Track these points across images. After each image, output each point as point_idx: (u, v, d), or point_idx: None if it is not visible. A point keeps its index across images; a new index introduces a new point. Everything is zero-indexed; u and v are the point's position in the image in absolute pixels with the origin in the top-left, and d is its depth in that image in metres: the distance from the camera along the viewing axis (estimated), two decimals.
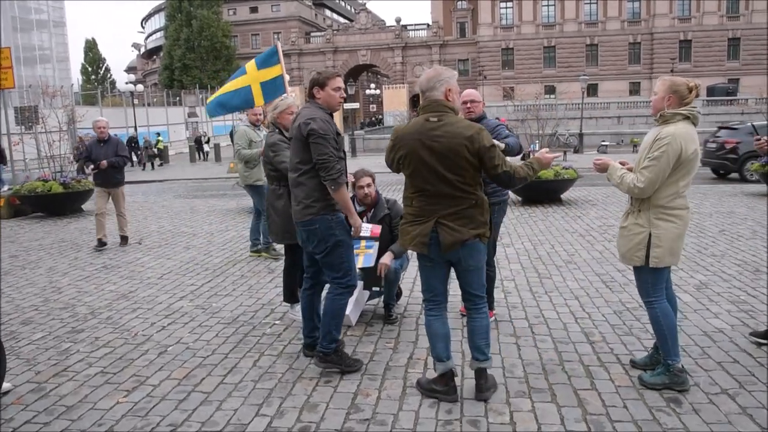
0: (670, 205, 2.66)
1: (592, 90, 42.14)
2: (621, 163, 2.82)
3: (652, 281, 2.75)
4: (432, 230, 2.51)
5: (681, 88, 2.66)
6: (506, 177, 2.55)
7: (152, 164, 22.19)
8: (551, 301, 4.13)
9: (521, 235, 6.59)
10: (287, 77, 5.88)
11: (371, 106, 53.55)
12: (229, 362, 3.25)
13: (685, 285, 4.41)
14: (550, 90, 41.03)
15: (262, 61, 5.83)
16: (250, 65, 5.88)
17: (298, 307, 3.79)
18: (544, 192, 8.89)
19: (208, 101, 6.26)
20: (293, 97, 3.87)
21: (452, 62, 48.27)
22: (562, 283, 4.60)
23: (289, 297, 3.94)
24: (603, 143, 24.26)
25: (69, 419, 2.66)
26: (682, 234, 2.70)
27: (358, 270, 3.56)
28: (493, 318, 3.71)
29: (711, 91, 36.62)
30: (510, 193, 3.72)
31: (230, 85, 5.91)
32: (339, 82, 2.96)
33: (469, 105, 3.59)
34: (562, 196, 9.19)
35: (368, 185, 3.73)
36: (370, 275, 3.69)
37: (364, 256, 3.63)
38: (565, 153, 19.48)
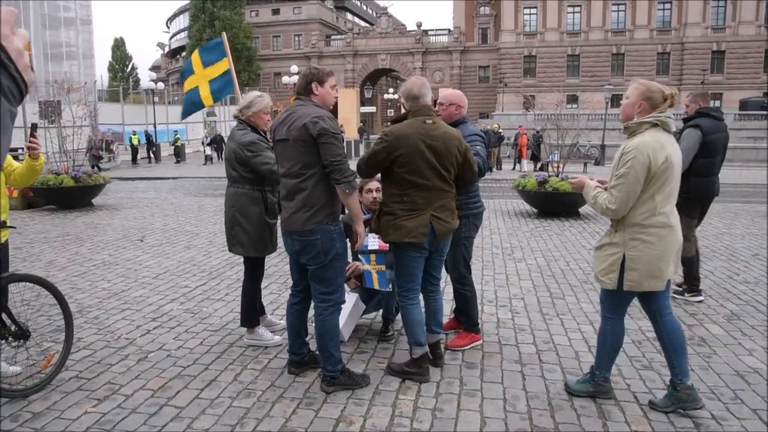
0: (646, 223, 2.44)
1: (616, 100, 40.94)
2: (600, 182, 2.67)
3: (614, 303, 2.64)
4: (428, 222, 2.75)
5: (656, 96, 2.47)
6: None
7: (98, 167, 16.66)
8: (563, 325, 3.82)
9: (534, 249, 6.26)
10: (234, 71, 5.47)
11: (389, 111, 53.48)
12: (208, 375, 3.03)
13: (713, 315, 4.02)
14: (573, 99, 40.16)
15: (208, 56, 5.44)
16: (196, 59, 5.45)
17: (260, 330, 3.46)
18: (560, 204, 8.48)
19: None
20: (262, 94, 3.46)
21: (473, 68, 47.75)
22: (575, 304, 4.27)
23: (249, 320, 3.41)
24: None
25: (33, 428, 2.49)
26: (665, 256, 2.46)
27: (349, 287, 3.29)
28: (479, 342, 3.43)
29: (744, 104, 34.63)
30: (481, 205, 3.45)
31: (186, 85, 5.49)
32: (335, 80, 2.87)
33: (437, 108, 3.28)
34: (580, 209, 8.77)
35: (377, 189, 3.38)
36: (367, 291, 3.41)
37: (378, 276, 3.26)
38: (585, 165, 18.98)
